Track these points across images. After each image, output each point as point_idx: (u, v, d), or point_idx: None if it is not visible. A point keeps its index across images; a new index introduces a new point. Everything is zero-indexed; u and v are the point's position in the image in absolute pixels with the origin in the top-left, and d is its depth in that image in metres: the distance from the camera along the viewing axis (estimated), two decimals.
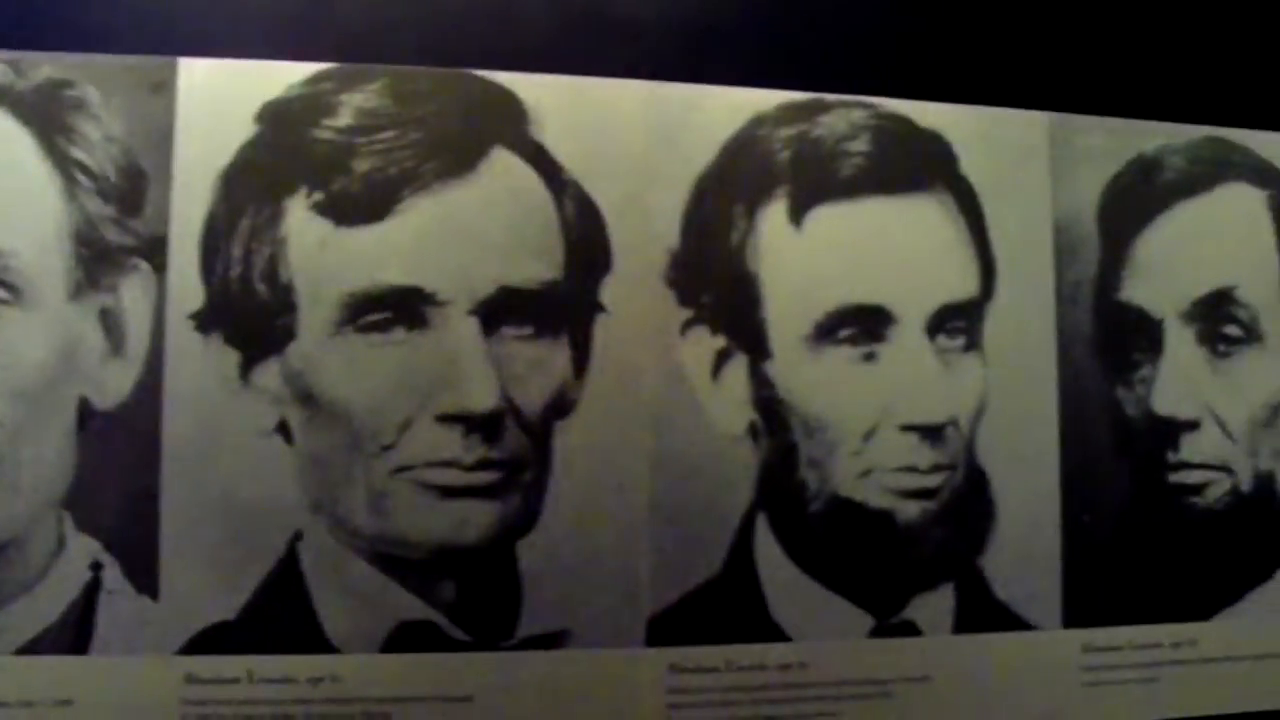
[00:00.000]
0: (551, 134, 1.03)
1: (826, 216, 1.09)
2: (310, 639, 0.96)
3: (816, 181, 1.09)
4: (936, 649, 1.09)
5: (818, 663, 1.06)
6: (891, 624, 1.09)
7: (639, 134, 1.06)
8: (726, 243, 1.07)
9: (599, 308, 1.02)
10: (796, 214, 1.09)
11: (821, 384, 1.07)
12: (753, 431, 1.07)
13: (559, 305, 1.02)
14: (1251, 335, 1.22)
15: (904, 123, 1.13)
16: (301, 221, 0.94)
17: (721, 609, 1.05)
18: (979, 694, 1.10)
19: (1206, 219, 1.22)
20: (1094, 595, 1.14)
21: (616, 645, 1.01)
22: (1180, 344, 1.18)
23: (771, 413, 1.08)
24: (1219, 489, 1.19)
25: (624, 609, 1.03)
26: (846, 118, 1.11)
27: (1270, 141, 1.26)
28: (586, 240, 1.03)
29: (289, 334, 0.97)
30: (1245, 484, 1.20)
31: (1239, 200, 1.24)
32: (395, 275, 1.00)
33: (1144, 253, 1.19)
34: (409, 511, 0.98)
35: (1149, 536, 1.16)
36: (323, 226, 0.98)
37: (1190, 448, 1.18)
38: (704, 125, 1.08)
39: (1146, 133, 1.21)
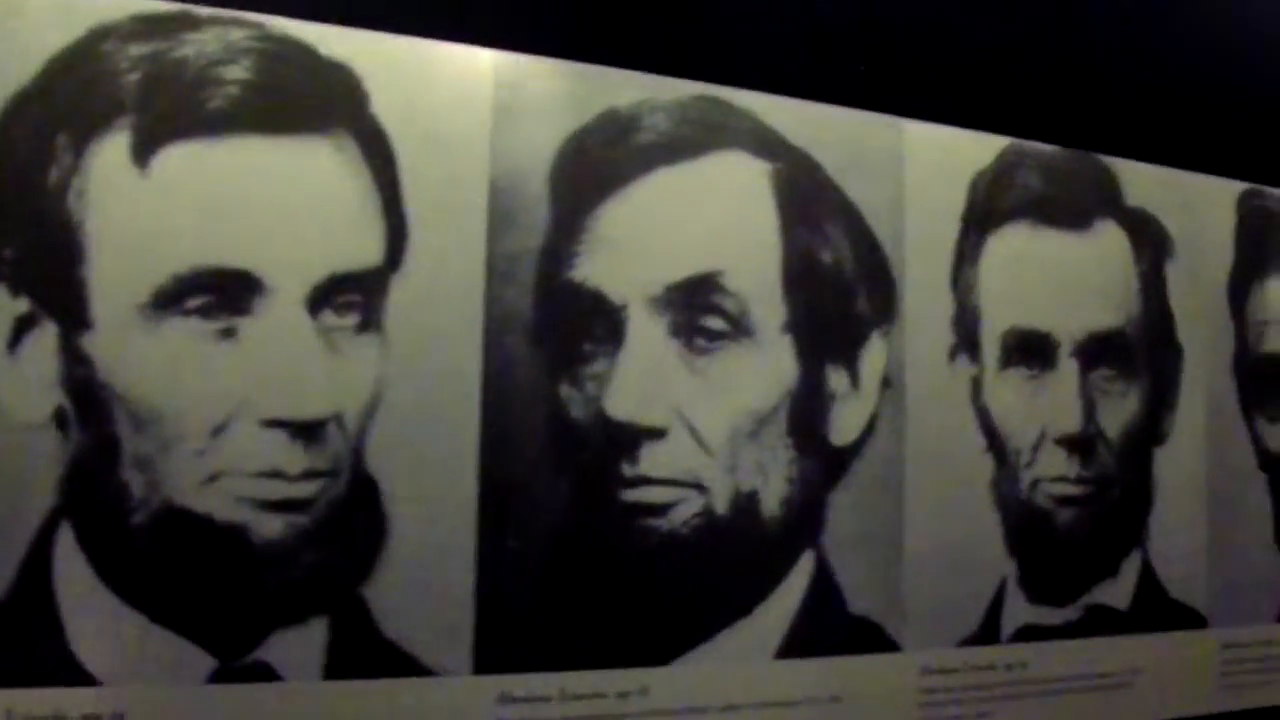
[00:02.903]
0: None
1: (183, 157, 1.12)
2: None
3: (173, 113, 1.13)
4: (301, 698, 1.15)
5: (136, 714, 1.11)
6: (240, 667, 1.12)
7: None
8: (42, 181, 1.11)
9: None
10: (142, 152, 1.11)
11: (159, 364, 1.10)
12: (60, 419, 1.09)
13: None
14: (739, 329, 1.35)
15: (300, 49, 1.19)
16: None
17: (7, 642, 1.04)
18: None
19: (691, 191, 1.33)
20: (517, 635, 1.22)
21: None
22: (647, 336, 1.28)
23: (87, 397, 1.08)
24: (688, 509, 1.30)
25: None
26: (222, 38, 1.16)
27: (778, 106, 1.41)
28: None
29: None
30: (721, 504, 1.32)
31: (734, 171, 1.37)
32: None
33: (608, 225, 1.29)
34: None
35: (593, 565, 1.25)
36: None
37: (653, 460, 1.26)
38: (26, 33, 1.13)
39: (621, 84, 1.31)
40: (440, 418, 1.11)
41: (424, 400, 1.11)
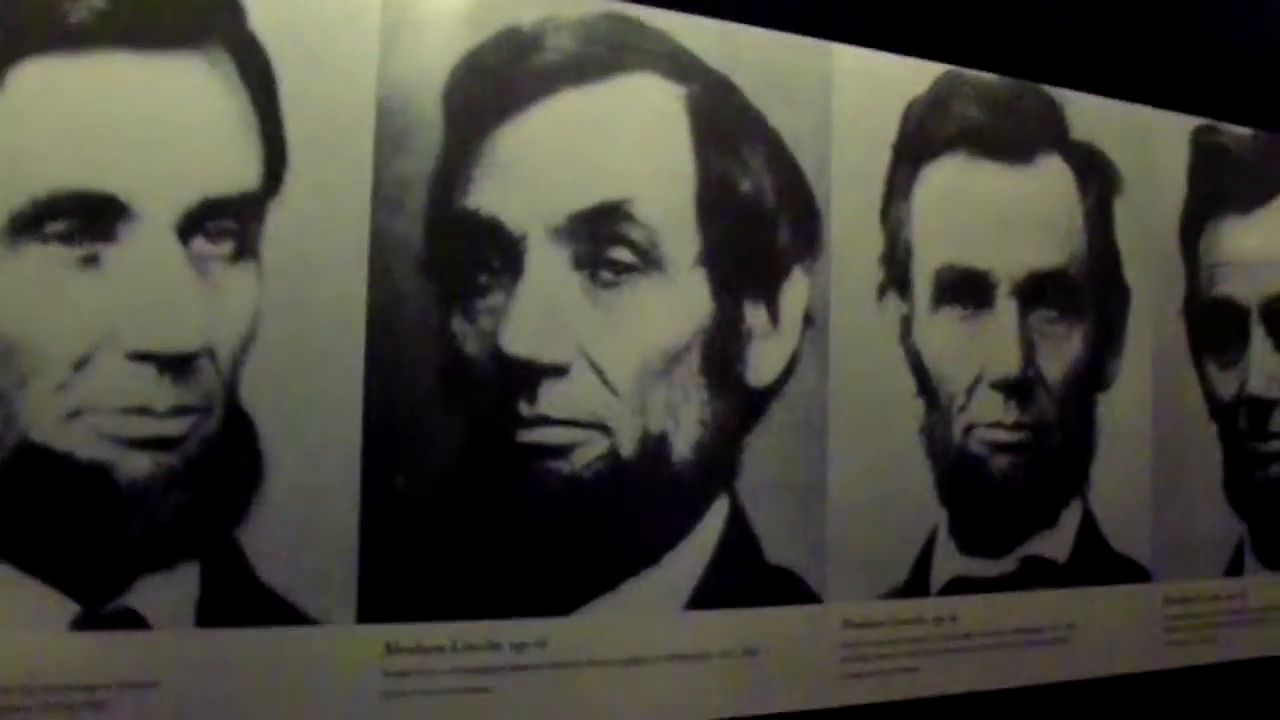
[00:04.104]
0: None
1: (40, 74, 1.07)
2: None
3: (30, 28, 1.08)
4: (169, 647, 1.11)
5: None
6: (105, 614, 1.08)
7: None
8: None
9: None
10: None
11: (16, 293, 1.03)
12: None
13: None
14: (648, 262, 1.31)
15: None
16: None
17: None
18: (230, 705, 1.13)
19: (598, 115, 1.27)
20: (405, 582, 1.18)
21: None
22: (547, 268, 1.23)
23: None
24: (590, 451, 1.25)
25: None
26: None
27: (694, 27, 1.35)
28: None
29: None
30: (627, 447, 1.29)
31: (645, 94, 1.32)
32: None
33: (506, 150, 1.23)
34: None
35: (488, 509, 1.21)
36: None
37: (553, 399, 1.22)
38: None
39: (523, 0, 1.29)
40: (322, 352, 1.08)
41: (304, 333, 1.08)
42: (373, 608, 1.11)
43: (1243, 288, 1.67)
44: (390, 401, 1.09)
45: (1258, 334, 1.68)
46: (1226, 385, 1.65)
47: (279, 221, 1.09)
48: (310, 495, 1.08)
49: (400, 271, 1.09)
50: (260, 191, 1.08)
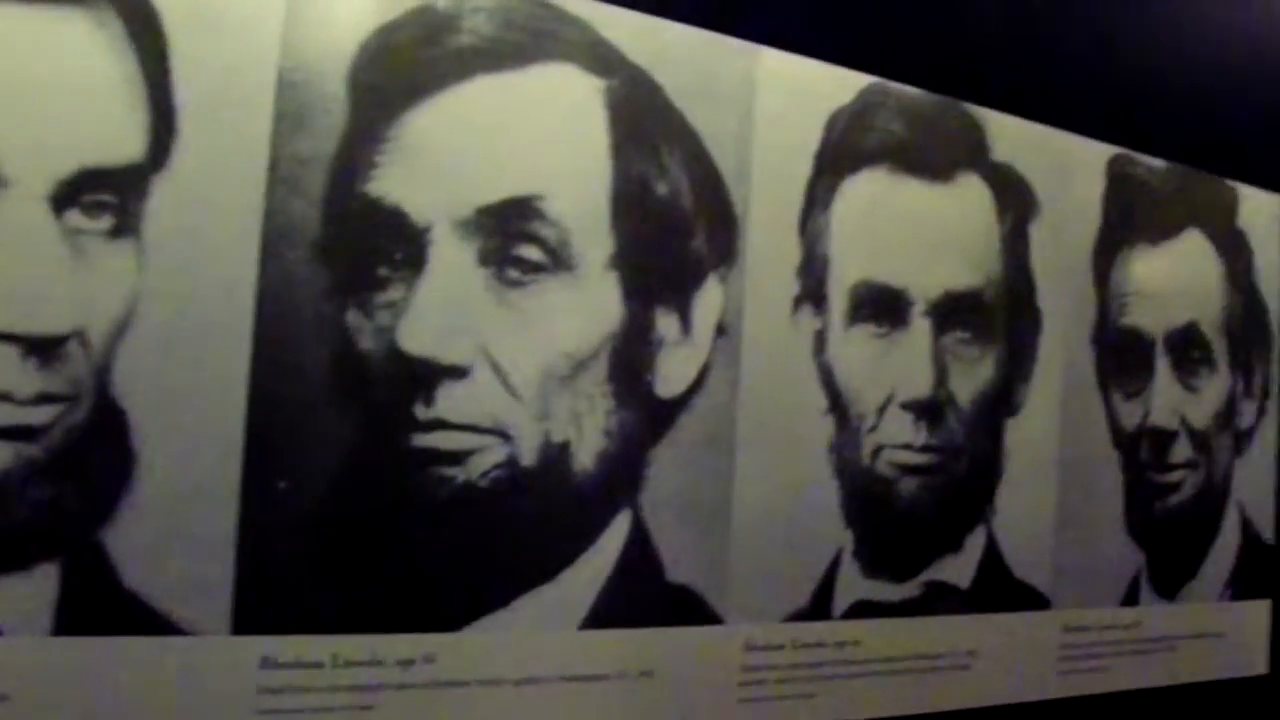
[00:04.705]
0: None
1: None
2: None
3: None
4: (22, 656, 1.02)
5: None
6: None
7: None
8: None
9: None
10: None
11: None
12: None
13: None
14: (558, 262, 1.26)
15: None
16: None
17: None
18: None
19: (513, 104, 1.23)
20: (284, 591, 1.11)
21: None
22: (452, 263, 1.17)
23: None
24: (488, 459, 1.20)
25: None
26: None
27: (617, 19, 1.28)
28: None
29: None
30: (527, 455, 1.23)
31: (563, 85, 1.26)
32: None
33: (414, 136, 1.18)
34: None
35: (377, 515, 1.13)
36: None
37: (451, 401, 1.16)
38: None
39: None
40: (204, 341, 1.01)
41: (186, 320, 1.01)
42: (248, 618, 1.05)
43: (1149, 319, 1.69)
44: (276, 397, 1.03)
45: (1162, 365, 1.70)
46: (1130, 415, 1.66)
47: (164, 197, 1.03)
48: (185, 495, 1.02)
49: (294, 258, 1.03)
50: (145, 164, 1.02)
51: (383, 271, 1.09)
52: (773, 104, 1.30)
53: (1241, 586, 1.85)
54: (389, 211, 1.10)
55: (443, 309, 1.10)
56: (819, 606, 1.33)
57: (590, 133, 1.18)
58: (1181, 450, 1.75)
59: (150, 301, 1.02)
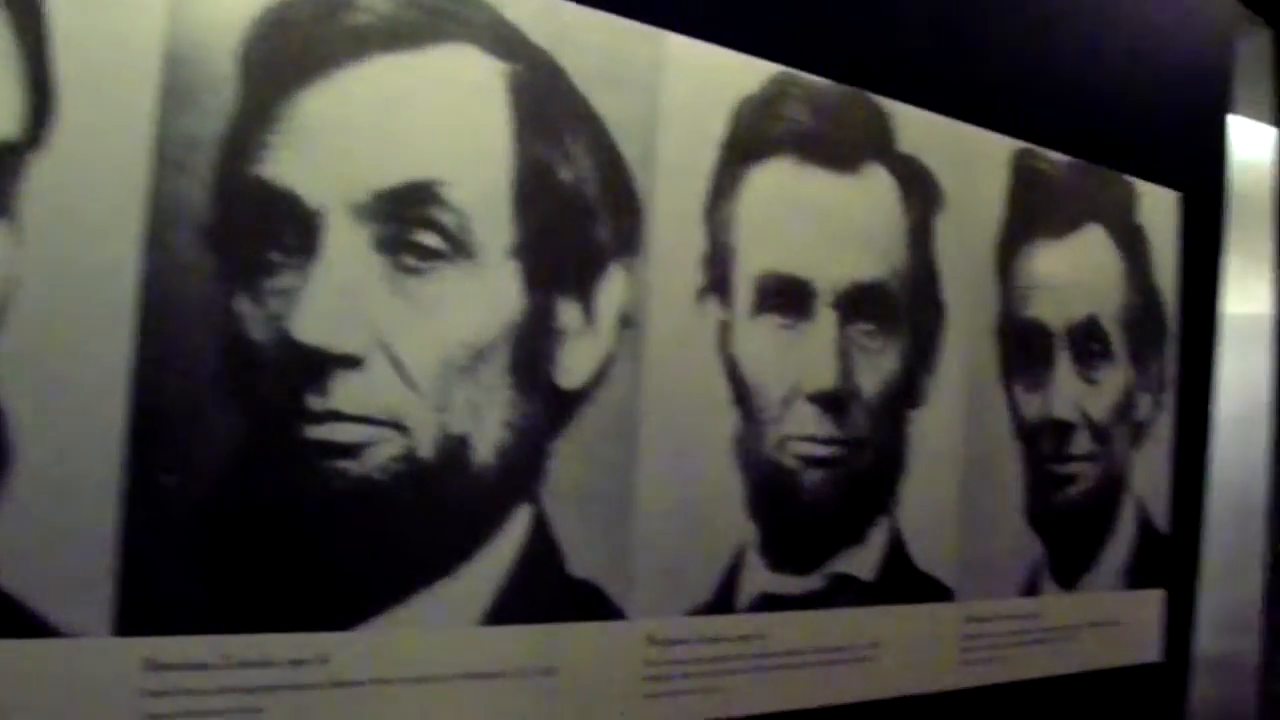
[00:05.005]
0: None
1: None
2: None
3: None
4: None
5: None
6: None
7: None
8: None
9: None
10: None
11: None
12: None
13: None
14: (457, 249, 1.22)
15: None
16: None
17: None
18: None
19: (412, 85, 1.19)
20: (169, 590, 1.07)
21: None
22: (346, 249, 1.14)
23: None
24: (385, 451, 1.16)
25: None
26: None
27: (522, 1, 1.29)
28: None
29: None
30: (425, 448, 1.20)
31: (463, 68, 1.23)
32: None
33: (308, 117, 1.13)
34: None
35: (267, 510, 1.09)
36: None
37: (346, 392, 1.13)
38: None
39: None
40: (84, 327, 0.97)
41: (64, 305, 0.97)
42: (131, 619, 1.02)
43: (1051, 312, 1.71)
44: (161, 387, 0.99)
45: (1062, 358, 1.72)
46: (1031, 407, 1.68)
47: (42, 177, 0.99)
48: (64, 490, 0.98)
49: (180, 241, 0.99)
50: (21, 142, 0.97)
51: (274, 257, 1.05)
52: (679, 91, 1.28)
53: (1137, 576, 1.89)
54: (281, 195, 1.07)
55: (337, 296, 1.07)
56: (723, 600, 1.32)
57: (491, 117, 1.16)
58: (1081, 442, 1.77)
59: (27, 286, 0.98)
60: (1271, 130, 2.51)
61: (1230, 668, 2.41)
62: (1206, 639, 2.27)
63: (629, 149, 1.25)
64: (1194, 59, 2.04)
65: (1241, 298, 2.46)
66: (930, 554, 1.55)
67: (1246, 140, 2.49)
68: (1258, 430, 2.46)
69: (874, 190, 1.47)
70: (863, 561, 1.47)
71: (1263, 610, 2.42)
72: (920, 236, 1.52)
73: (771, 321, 1.36)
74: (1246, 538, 2.45)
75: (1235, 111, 2.30)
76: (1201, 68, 2.06)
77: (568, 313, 1.19)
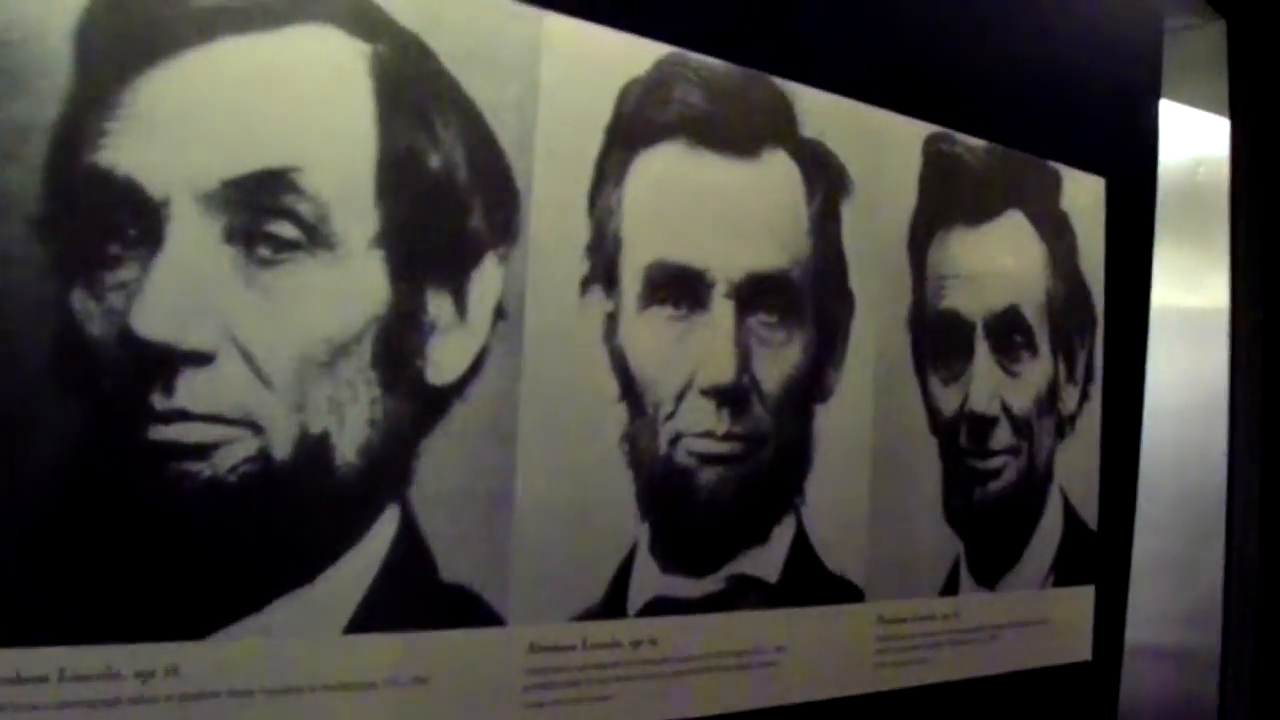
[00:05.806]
0: None
1: None
2: None
3: None
4: None
5: None
6: None
7: None
8: None
9: None
10: None
11: None
12: None
13: None
14: (315, 240, 1.17)
15: None
16: None
17: None
18: None
19: (264, 68, 1.15)
20: (4, 600, 1.03)
21: None
22: (193, 240, 1.09)
23: None
24: (237, 452, 1.12)
25: None
26: None
27: None
28: None
29: None
30: (282, 448, 1.17)
31: (322, 49, 1.18)
32: None
33: (150, 102, 1.09)
34: None
35: (110, 515, 1.05)
36: None
37: (194, 390, 1.09)
38: None
39: None
40: None
41: None
42: None
43: (969, 302, 1.70)
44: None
45: (982, 349, 1.71)
46: (948, 400, 1.67)
47: None
48: None
49: (10, 234, 0.97)
50: None
51: (114, 249, 1.02)
52: (559, 73, 1.26)
53: (1065, 573, 1.88)
54: (120, 184, 1.04)
55: (182, 290, 1.04)
56: (613, 604, 1.30)
57: (352, 101, 1.13)
58: (1002, 436, 1.76)
59: None
60: (1225, 122, 2.51)
61: (1191, 661, 2.42)
62: (1168, 632, 2.27)
63: (505, 134, 1.23)
64: (1122, 41, 2.03)
65: (1199, 292, 2.46)
66: (839, 554, 1.53)
67: (1198, 133, 2.49)
68: (1217, 425, 2.46)
69: (774, 176, 1.45)
70: (766, 562, 1.45)
71: (1223, 602, 2.43)
72: (826, 224, 1.50)
73: (662, 313, 1.33)
74: (1207, 531, 2.45)
75: (1191, 104, 2.29)
76: (1130, 50, 2.05)
77: (437, 305, 1.17)
